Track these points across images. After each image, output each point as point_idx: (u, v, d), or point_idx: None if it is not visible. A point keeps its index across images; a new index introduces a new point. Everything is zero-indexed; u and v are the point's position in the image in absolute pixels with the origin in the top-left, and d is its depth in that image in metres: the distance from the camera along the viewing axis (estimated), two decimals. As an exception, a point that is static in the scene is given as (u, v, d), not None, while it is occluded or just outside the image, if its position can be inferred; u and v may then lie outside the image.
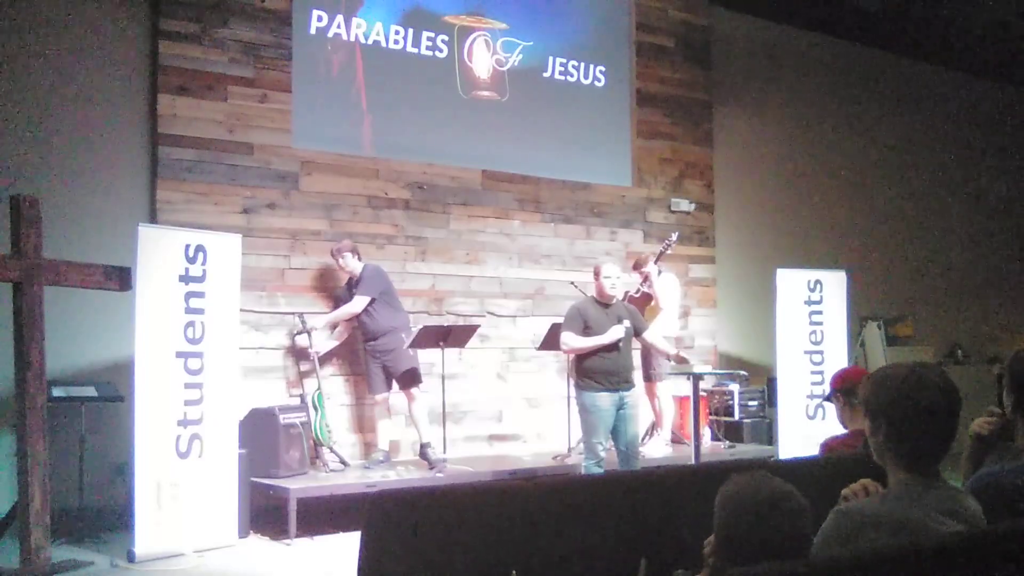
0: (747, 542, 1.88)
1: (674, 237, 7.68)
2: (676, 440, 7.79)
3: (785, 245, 9.55)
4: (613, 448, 5.97)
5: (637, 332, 6.08)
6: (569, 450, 7.14)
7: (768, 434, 8.21)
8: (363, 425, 7.06)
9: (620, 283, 6.09)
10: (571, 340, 5.90)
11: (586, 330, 5.87)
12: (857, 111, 10.64)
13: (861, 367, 5.30)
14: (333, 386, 6.97)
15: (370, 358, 6.69)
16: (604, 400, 5.80)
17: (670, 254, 7.53)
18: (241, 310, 6.11)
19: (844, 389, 3.61)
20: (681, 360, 6.41)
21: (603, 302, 6.00)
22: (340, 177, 7.16)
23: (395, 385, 6.71)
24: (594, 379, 5.82)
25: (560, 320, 7.52)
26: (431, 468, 6.49)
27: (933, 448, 2.02)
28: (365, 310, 6.60)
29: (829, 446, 3.68)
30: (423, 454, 6.68)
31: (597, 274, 6.05)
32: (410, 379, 6.65)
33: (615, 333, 5.82)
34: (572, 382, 6.05)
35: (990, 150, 11.83)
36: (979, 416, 2.62)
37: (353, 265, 6.67)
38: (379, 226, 7.22)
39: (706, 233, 9.13)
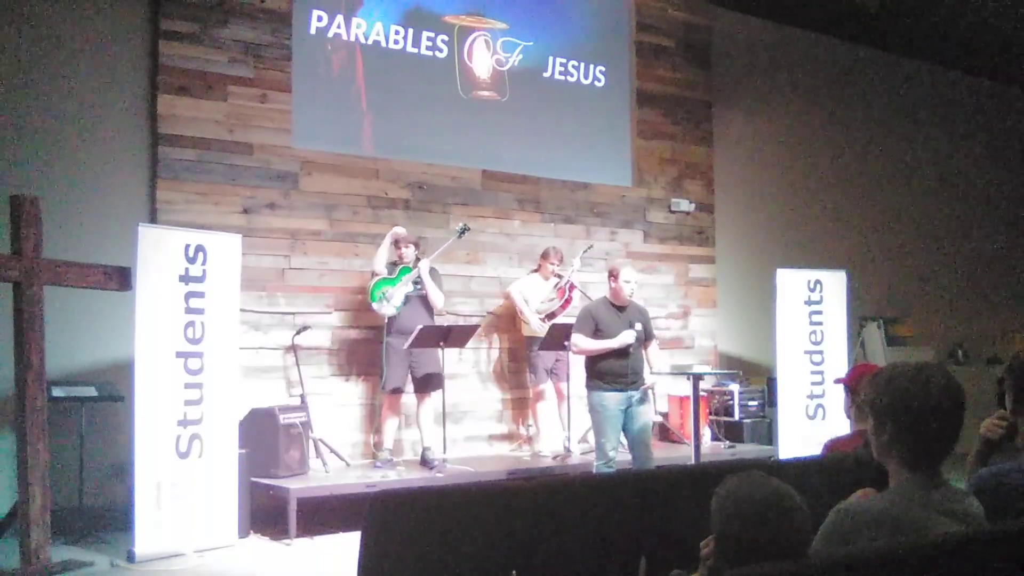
0: (746, 542, 1.88)
1: (588, 247, 7.81)
2: (676, 440, 7.80)
3: (785, 245, 9.55)
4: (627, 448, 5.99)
5: (646, 337, 6.00)
6: (569, 450, 7.14)
7: (768, 434, 8.21)
8: (363, 425, 7.06)
9: (637, 287, 5.99)
10: (580, 342, 5.89)
11: (596, 332, 5.83)
12: (857, 111, 10.64)
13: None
14: (333, 386, 6.98)
15: (393, 352, 6.58)
16: (611, 400, 5.78)
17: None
18: (241, 310, 6.11)
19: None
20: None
21: (617, 304, 5.92)
22: (340, 177, 7.16)
23: (409, 385, 6.70)
24: (603, 380, 5.81)
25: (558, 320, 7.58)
26: (431, 470, 6.49)
27: (937, 448, 2.02)
28: (415, 306, 6.64)
29: (832, 447, 3.66)
30: (424, 458, 6.69)
31: (616, 276, 5.91)
32: (431, 383, 6.66)
33: (625, 338, 5.77)
34: (584, 382, 6.02)
35: (990, 150, 11.83)
36: (981, 417, 2.62)
37: (411, 257, 6.73)
38: (379, 226, 7.21)
39: (706, 233, 9.13)
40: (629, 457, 6.01)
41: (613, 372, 5.79)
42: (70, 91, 6.29)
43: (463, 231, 6.95)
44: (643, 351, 6.00)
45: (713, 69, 9.32)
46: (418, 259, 6.75)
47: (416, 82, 7.61)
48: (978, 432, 2.58)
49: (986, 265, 11.48)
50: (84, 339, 6.08)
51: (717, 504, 1.98)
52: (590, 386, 5.90)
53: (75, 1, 6.37)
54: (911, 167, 11.08)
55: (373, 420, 7.00)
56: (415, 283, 6.65)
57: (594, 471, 5.93)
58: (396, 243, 6.80)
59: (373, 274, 6.75)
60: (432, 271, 6.76)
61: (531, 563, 2.56)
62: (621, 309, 5.92)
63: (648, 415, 6.08)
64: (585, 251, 7.73)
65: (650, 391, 6.16)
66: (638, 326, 5.86)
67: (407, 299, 6.62)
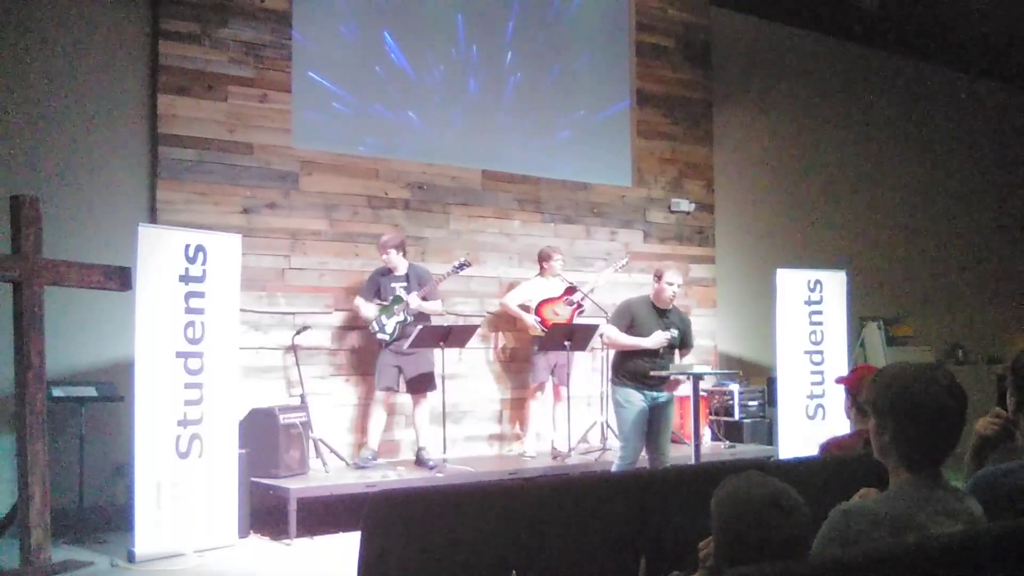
0: (745, 542, 1.88)
1: (622, 262, 7.89)
2: (676, 440, 7.79)
3: (785, 245, 9.55)
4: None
5: (682, 345, 6.00)
6: (570, 450, 7.14)
7: (768, 434, 8.21)
8: (364, 425, 7.05)
9: (680, 291, 6.00)
10: (611, 333, 5.98)
11: (631, 328, 5.87)
12: (857, 111, 10.64)
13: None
14: (333, 386, 6.98)
15: (386, 354, 6.62)
16: (634, 397, 5.85)
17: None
18: (241, 310, 6.11)
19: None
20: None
21: (658, 305, 5.93)
22: (340, 177, 7.16)
23: (402, 386, 6.69)
24: (627, 377, 5.88)
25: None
26: (431, 470, 6.49)
27: (939, 449, 2.02)
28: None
29: (828, 447, 3.67)
30: (419, 458, 6.69)
31: (659, 277, 5.94)
32: (424, 384, 6.66)
33: (657, 339, 5.79)
34: (609, 377, 6.14)
35: (990, 150, 11.82)
36: (981, 416, 2.62)
37: (397, 261, 6.69)
38: (379, 226, 7.21)
39: (706, 233, 9.13)
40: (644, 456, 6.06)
41: (640, 372, 5.84)
42: (70, 91, 6.29)
43: (461, 266, 6.86)
44: (675, 357, 6.03)
45: (713, 69, 9.32)
46: (415, 292, 6.64)
47: (416, 82, 7.60)
48: (974, 430, 2.58)
49: (985, 265, 11.48)
50: (84, 339, 6.08)
51: (716, 504, 1.98)
52: (615, 381, 5.99)
53: (75, 1, 6.37)
54: (911, 167, 11.07)
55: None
56: (406, 312, 6.60)
57: (614, 468, 5.96)
58: (380, 247, 6.74)
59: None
60: (426, 276, 6.74)
61: (531, 563, 2.56)
62: (662, 312, 5.93)
63: (670, 418, 6.08)
64: (620, 267, 7.78)
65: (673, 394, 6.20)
66: (674, 332, 5.88)
67: (398, 328, 6.60)
